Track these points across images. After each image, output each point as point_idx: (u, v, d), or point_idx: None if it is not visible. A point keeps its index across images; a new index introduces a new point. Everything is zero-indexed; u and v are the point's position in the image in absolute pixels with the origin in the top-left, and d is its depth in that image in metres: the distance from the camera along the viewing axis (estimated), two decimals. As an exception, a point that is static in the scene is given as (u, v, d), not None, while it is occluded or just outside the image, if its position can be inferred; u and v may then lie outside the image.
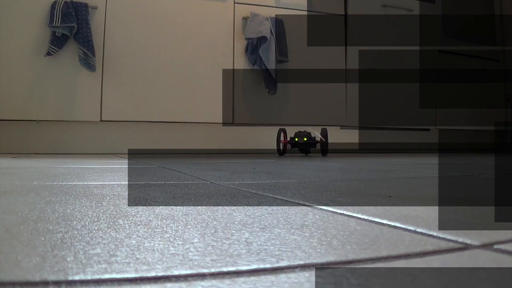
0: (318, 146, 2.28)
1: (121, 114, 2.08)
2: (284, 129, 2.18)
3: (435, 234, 0.36)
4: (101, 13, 2.06)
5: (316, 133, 2.16)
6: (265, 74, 2.23)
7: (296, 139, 2.10)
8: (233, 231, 0.37)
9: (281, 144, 2.14)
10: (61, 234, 0.34)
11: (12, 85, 1.93)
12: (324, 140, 2.11)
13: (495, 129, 3.01)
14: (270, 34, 2.21)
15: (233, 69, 2.27)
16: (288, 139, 2.21)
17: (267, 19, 2.24)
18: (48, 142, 2.03)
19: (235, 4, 2.27)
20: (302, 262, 0.28)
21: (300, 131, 2.14)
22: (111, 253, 0.29)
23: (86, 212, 0.45)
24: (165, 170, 1.05)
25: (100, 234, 0.35)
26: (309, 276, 0.25)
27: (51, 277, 0.24)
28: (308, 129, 2.16)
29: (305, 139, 2.09)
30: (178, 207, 0.49)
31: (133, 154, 2.05)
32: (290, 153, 2.31)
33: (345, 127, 2.55)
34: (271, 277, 0.25)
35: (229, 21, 2.26)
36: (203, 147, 2.28)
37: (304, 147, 2.11)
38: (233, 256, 0.29)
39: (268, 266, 0.27)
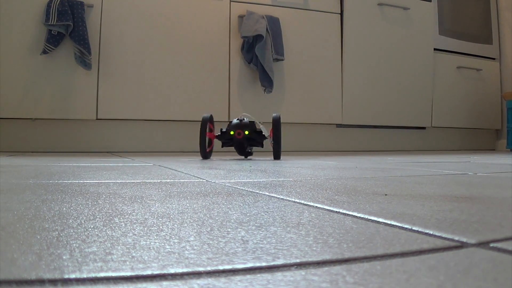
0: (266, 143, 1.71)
1: (117, 112, 2.08)
2: (211, 116, 1.53)
3: (431, 232, 0.36)
4: (97, 11, 2.05)
5: (261, 126, 1.52)
6: (261, 72, 2.23)
7: (232, 133, 1.46)
8: (229, 230, 0.37)
9: (207, 140, 1.50)
10: (57, 233, 0.34)
11: (8, 83, 1.92)
12: (268, 136, 1.48)
13: (491, 128, 3.02)
14: (266, 32, 2.21)
15: (229, 67, 2.27)
16: (218, 133, 1.54)
17: (263, 17, 2.24)
18: (44, 140, 2.03)
19: (231, 3, 2.27)
20: (298, 261, 0.28)
21: (238, 119, 1.50)
22: (107, 251, 0.29)
23: (82, 210, 0.45)
24: (161, 169, 1.05)
25: (96, 233, 0.35)
26: (305, 274, 0.25)
27: (47, 276, 0.23)
28: (251, 116, 1.60)
29: (246, 132, 1.45)
30: (174, 205, 0.49)
31: (129, 152, 2.05)
32: (223, 153, 2.28)
33: (341, 125, 2.56)
34: (267, 276, 0.25)
35: (225, 19, 2.26)
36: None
37: (242, 145, 1.47)
38: (229, 254, 0.29)
39: (264, 264, 0.27)
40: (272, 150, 1.52)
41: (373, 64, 2.58)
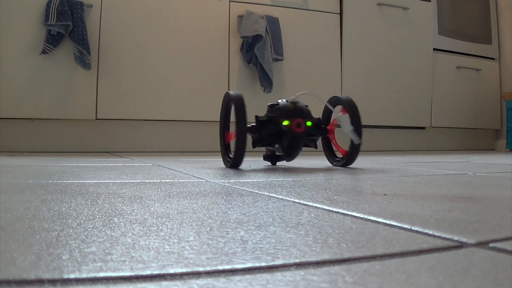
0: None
1: (116, 112, 2.08)
2: (241, 96, 0.96)
3: (430, 232, 0.36)
4: (97, 11, 2.05)
5: (340, 114, 1.02)
6: (260, 72, 2.23)
7: (286, 123, 0.94)
8: (229, 230, 0.37)
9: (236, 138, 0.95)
10: (56, 233, 0.34)
11: (7, 83, 1.92)
12: (351, 129, 0.98)
13: (490, 128, 3.02)
14: (266, 33, 2.21)
15: (229, 67, 2.27)
16: (252, 124, 0.98)
17: (263, 17, 2.24)
18: (43, 140, 2.02)
19: (230, 3, 2.27)
20: (297, 261, 0.28)
21: (288, 101, 0.99)
22: (107, 251, 0.29)
23: (82, 210, 0.45)
24: (160, 168, 1.04)
25: (96, 233, 0.35)
26: (304, 275, 0.25)
27: (47, 276, 0.23)
28: (318, 96, 1.04)
29: (308, 123, 0.97)
30: (173, 205, 0.49)
31: (128, 152, 2.05)
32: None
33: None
34: (266, 276, 0.25)
35: (225, 19, 2.26)
36: (199, 146, 2.27)
37: (299, 143, 0.96)
38: (228, 254, 0.29)
39: (263, 264, 0.27)
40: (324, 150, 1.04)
41: (372, 64, 2.58)
